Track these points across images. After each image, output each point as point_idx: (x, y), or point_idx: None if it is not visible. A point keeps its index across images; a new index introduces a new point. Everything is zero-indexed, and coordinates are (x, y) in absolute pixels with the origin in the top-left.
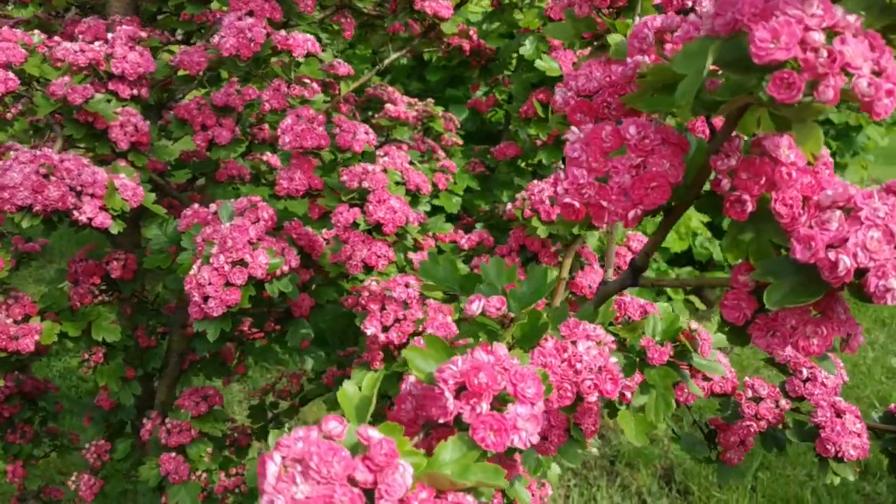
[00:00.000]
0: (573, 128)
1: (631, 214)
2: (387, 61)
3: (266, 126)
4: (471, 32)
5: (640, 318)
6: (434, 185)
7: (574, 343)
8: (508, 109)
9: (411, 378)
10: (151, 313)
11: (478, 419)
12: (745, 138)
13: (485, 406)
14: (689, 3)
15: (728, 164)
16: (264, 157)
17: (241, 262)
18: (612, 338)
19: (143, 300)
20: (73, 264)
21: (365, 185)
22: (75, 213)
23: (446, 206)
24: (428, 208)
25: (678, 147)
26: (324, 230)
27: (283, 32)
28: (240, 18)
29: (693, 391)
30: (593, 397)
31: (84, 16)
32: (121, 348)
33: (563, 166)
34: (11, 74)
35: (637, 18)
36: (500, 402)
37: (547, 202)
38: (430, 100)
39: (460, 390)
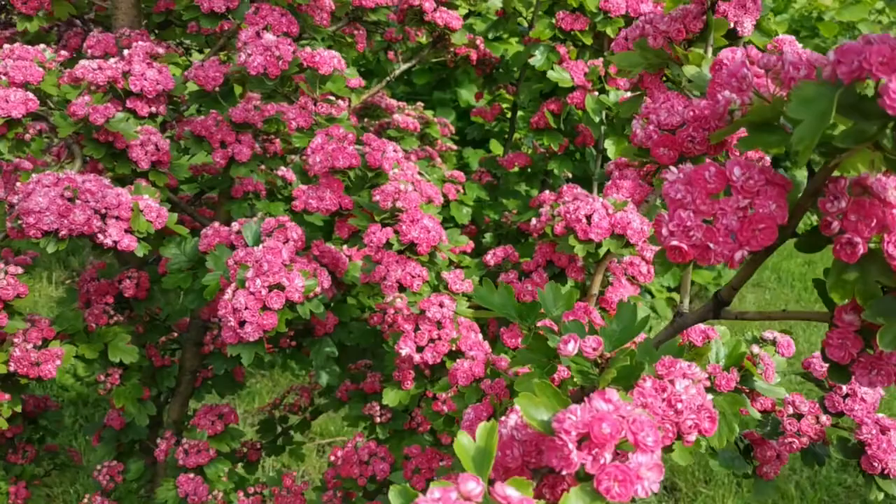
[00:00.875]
0: (672, 167)
1: (737, 256)
2: (397, 71)
3: (277, 140)
4: (478, 42)
5: (701, 343)
6: (444, 195)
7: (671, 382)
8: (520, 119)
9: (511, 421)
10: (162, 331)
11: (602, 470)
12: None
13: (608, 456)
14: (732, 25)
15: (838, 206)
16: (279, 172)
17: (278, 286)
18: (706, 374)
19: (153, 318)
20: (84, 284)
21: (399, 204)
22: (100, 236)
23: (457, 217)
24: (440, 220)
25: (782, 187)
26: (344, 247)
27: (308, 49)
28: (258, 33)
29: (752, 415)
30: (693, 436)
31: (86, 28)
32: (136, 369)
33: (570, 176)
34: (31, 95)
35: (709, 49)
36: (619, 450)
37: (584, 220)
38: (419, 104)
39: (580, 440)
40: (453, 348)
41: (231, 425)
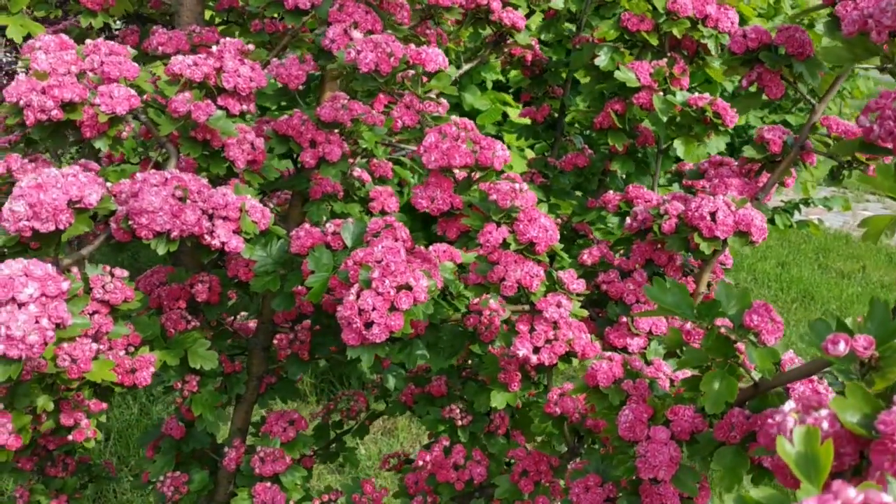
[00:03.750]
0: None
1: None
2: (460, 71)
3: (344, 142)
4: (533, 43)
5: None
6: None
7: None
8: (580, 119)
9: (789, 424)
10: (228, 336)
11: None
12: None
13: None
14: None
15: None
16: (355, 173)
17: (406, 286)
18: None
19: (220, 322)
20: (155, 289)
21: (516, 203)
22: (207, 237)
23: None
24: None
25: None
26: (432, 247)
27: (412, 46)
28: (345, 31)
29: None
30: None
31: (145, 26)
32: (212, 375)
33: (625, 176)
34: (133, 91)
35: None
36: None
37: (708, 217)
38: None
39: None
40: (569, 349)
41: (301, 432)
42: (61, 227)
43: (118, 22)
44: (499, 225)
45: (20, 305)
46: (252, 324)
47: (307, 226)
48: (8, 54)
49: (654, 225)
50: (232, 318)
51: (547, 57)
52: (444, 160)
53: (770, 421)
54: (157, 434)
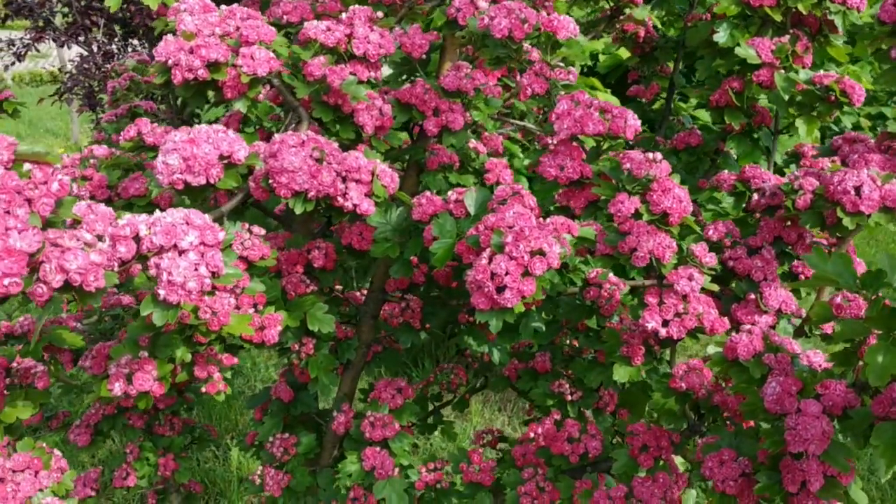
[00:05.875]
0: None
1: None
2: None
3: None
4: (647, 19)
5: None
6: None
7: None
8: (697, 98)
9: None
10: (339, 303)
11: None
12: None
13: None
14: None
15: None
16: (470, 144)
17: (540, 252)
18: None
19: (332, 289)
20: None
21: (651, 173)
22: (340, 199)
23: None
24: None
25: None
26: (550, 219)
27: (544, 13)
28: (471, 0)
29: None
30: None
31: None
32: (326, 339)
33: (733, 153)
34: (273, 54)
35: None
36: None
37: (852, 192)
38: None
39: None
40: (698, 324)
41: (408, 400)
42: (212, 181)
43: None
44: (631, 195)
45: (181, 253)
46: (360, 293)
47: (428, 193)
48: (104, 37)
49: (786, 201)
50: (341, 286)
51: (658, 34)
52: (576, 128)
53: None
54: (266, 397)
